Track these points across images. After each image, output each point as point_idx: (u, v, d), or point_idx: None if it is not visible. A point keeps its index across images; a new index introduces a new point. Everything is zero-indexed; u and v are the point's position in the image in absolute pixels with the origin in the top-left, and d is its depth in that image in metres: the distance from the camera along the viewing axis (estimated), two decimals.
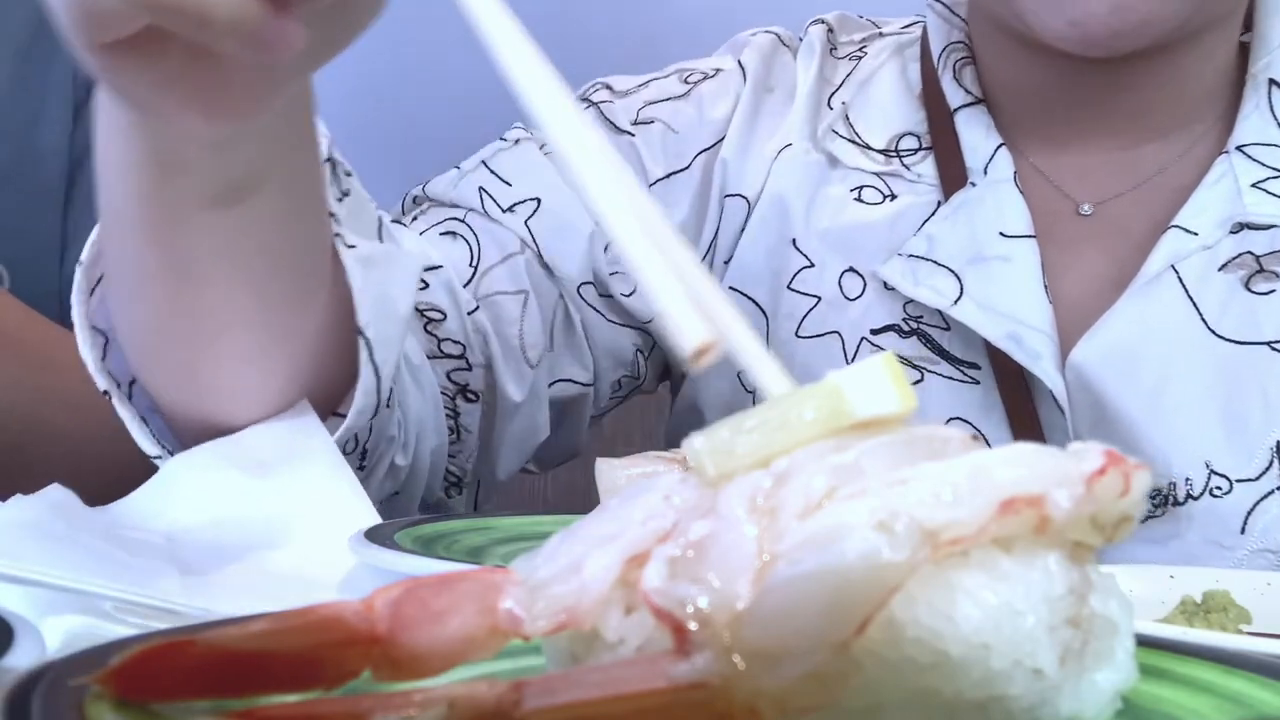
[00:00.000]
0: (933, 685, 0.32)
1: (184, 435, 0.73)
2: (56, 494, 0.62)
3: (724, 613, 0.32)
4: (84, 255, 0.72)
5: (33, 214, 1.03)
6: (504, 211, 0.92)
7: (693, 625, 0.32)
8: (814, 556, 0.32)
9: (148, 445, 0.72)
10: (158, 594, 0.51)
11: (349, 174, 0.75)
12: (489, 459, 0.93)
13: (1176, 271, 0.88)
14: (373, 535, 0.60)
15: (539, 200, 0.93)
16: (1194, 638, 0.44)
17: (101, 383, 0.72)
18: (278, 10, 0.47)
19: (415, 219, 0.94)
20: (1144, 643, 0.35)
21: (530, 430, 0.93)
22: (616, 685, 0.31)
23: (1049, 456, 0.32)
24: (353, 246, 0.72)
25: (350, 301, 0.71)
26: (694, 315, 0.34)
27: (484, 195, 0.93)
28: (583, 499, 0.44)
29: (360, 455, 0.75)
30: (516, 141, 0.97)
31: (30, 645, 0.36)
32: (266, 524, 0.62)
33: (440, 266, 0.88)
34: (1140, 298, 0.88)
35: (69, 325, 1.03)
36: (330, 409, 0.74)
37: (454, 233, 0.92)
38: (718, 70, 1.00)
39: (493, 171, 0.95)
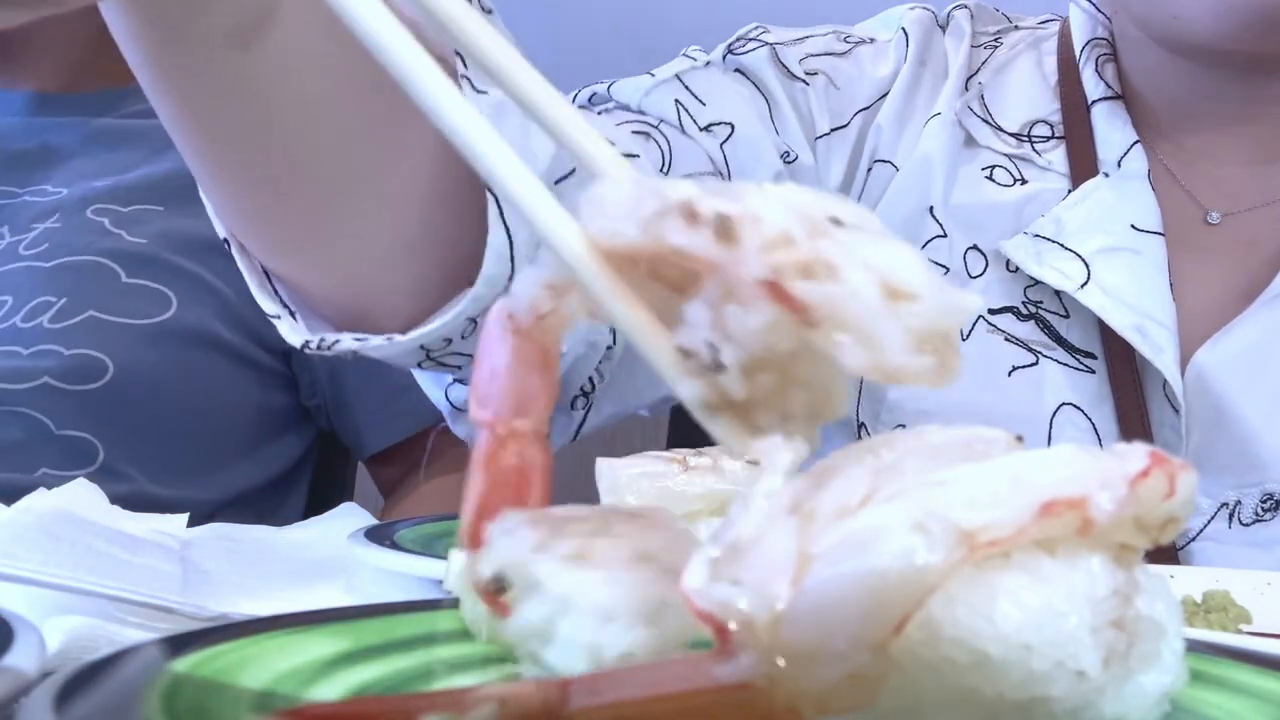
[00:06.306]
0: (973, 686, 0.32)
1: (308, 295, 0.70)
2: (81, 489, 0.61)
3: (764, 613, 0.32)
4: None
5: None
6: (700, 130, 0.91)
7: (733, 626, 0.32)
8: (850, 558, 0.32)
9: (265, 302, 0.69)
10: (158, 593, 0.50)
11: (488, 10, 0.67)
12: (631, 381, 0.88)
13: None
14: (373, 535, 0.60)
15: (733, 126, 0.92)
16: (1229, 640, 0.45)
17: (220, 229, 0.69)
18: None
19: (599, 115, 0.92)
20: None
21: None
22: (662, 685, 0.31)
23: (1091, 458, 0.32)
24: (483, 93, 0.65)
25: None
26: None
27: (680, 109, 0.91)
28: (582, 499, 0.43)
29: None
30: (707, 64, 0.96)
31: (30, 645, 0.36)
32: (274, 532, 0.62)
33: (637, 155, 0.84)
34: (1269, 309, 0.89)
35: None
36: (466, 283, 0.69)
37: (646, 134, 0.89)
38: (873, 39, 1.00)
39: (687, 87, 0.93)
